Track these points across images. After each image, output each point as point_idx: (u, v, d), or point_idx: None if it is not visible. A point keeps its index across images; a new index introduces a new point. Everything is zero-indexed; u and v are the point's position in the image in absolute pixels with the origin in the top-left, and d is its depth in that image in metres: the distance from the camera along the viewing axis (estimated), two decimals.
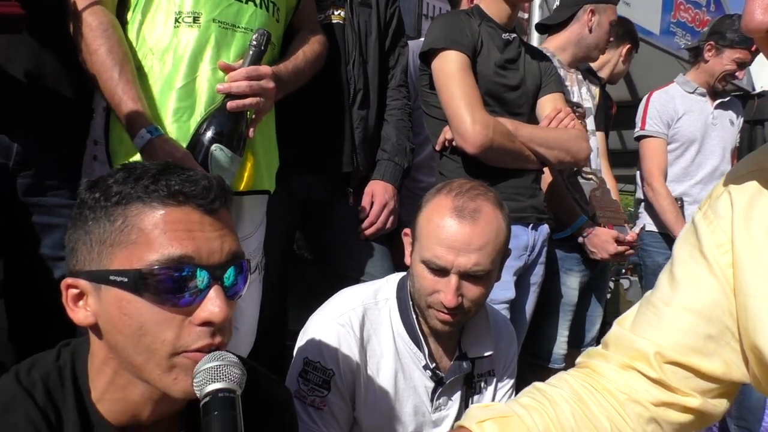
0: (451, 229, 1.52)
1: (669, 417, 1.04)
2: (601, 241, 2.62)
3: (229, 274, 0.96)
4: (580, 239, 2.67)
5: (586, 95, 2.91)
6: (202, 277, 0.92)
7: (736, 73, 3.18)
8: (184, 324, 0.93)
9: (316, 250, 2.34)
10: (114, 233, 0.92)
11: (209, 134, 1.58)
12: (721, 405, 1.06)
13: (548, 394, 1.08)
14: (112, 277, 0.92)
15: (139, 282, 0.90)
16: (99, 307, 0.94)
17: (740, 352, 1.01)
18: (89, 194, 0.96)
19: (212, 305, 0.93)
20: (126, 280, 0.91)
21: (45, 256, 1.68)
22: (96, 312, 0.95)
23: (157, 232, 0.92)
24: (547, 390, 1.09)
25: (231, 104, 1.61)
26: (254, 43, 1.66)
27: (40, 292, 1.65)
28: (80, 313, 0.96)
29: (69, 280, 0.96)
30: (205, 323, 0.93)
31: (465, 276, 1.53)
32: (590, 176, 2.86)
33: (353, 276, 2.17)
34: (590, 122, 2.88)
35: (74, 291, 0.96)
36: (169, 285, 0.91)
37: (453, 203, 1.55)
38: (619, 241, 2.62)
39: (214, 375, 0.89)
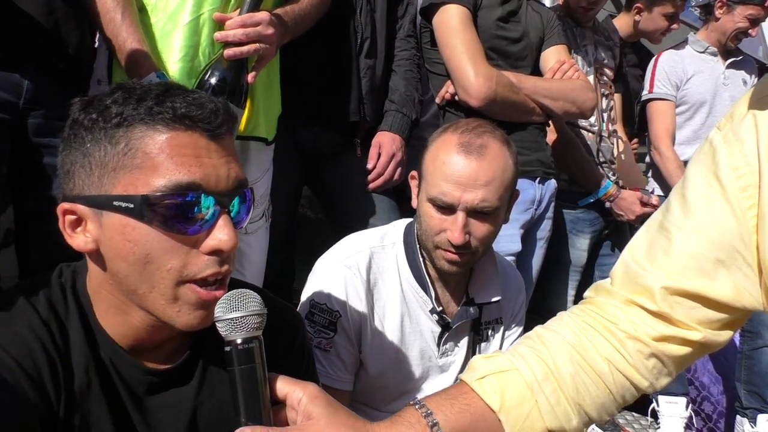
0: (458, 164, 1.51)
1: (669, 350, 1.04)
2: (628, 203, 2.72)
3: (235, 203, 0.94)
4: (608, 204, 2.73)
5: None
6: (208, 204, 0.90)
7: (749, 31, 3.11)
8: (191, 252, 0.91)
9: (323, 203, 2.32)
10: (116, 156, 0.89)
11: (211, 83, 1.55)
12: (725, 335, 1.05)
13: (547, 341, 1.08)
14: (115, 203, 0.89)
15: (145, 208, 0.88)
16: (100, 233, 0.92)
17: (755, 278, 1.00)
18: (84, 114, 0.92)
19: (221, 233, 0.91)
20: (131, 206, 0.88)
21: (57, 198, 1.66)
22: (97, 238, 0.92)
23: (163, 157, 0.88)
24: (546, 336, 1.09)
25: (228, 52, 1.57)
26: None
27: (52, 234, 1.63)
28: (79, 239, 0.93)
29: (66, 206, 0.93)
30: (214, 252, 0.92)
31: (472, 213, 1.52)
32: (618, 137, 2.91)
33: (360, 229, 2.14)
34: None
35: (72, 217, 0.93)
36: (177, 212, 0.89)
37: (459, 139, 1.53)
38: (643, 203, 2.71)
39: (234, 326, 0.89)
